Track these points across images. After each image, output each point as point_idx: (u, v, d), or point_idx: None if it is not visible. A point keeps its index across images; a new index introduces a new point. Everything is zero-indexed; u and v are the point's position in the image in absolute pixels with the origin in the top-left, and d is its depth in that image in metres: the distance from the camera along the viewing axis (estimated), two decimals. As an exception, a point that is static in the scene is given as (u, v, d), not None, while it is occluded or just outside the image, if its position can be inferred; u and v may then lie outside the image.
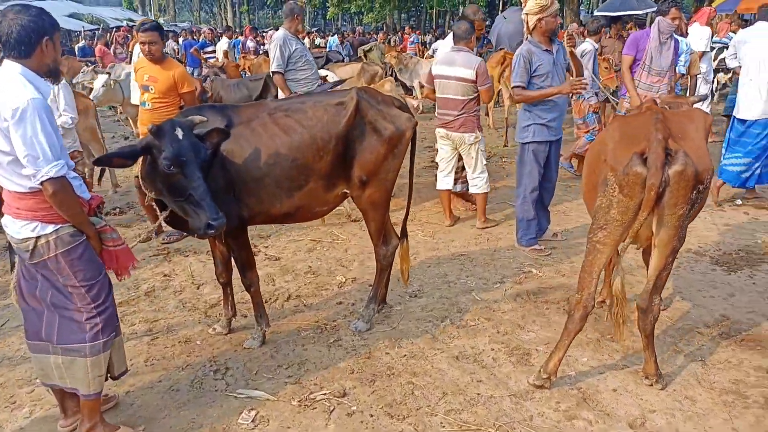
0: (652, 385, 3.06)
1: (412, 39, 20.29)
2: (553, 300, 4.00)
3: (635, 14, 16.61)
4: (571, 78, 4.57)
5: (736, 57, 7.98)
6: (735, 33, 11.88)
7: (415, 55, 14.72)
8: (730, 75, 9.67)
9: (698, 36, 7.90)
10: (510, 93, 7.29)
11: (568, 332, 2.97)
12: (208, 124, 2.92)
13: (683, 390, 3.05)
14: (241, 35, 18.43)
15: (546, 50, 4.45)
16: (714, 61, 9.37)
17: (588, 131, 6.50)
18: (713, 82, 9.25)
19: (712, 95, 9.32)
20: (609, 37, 8.82)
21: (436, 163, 5.91)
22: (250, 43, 16.18)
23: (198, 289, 4.32)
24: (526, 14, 4.36)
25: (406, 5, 37.11)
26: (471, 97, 4.92)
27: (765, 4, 9.25)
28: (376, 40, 19.42)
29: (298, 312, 3.93)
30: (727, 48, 10.29)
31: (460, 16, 5.71)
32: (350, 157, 3.22)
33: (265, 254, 4.91)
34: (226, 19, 41.37)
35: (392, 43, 18.50)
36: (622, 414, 2.87)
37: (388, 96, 3.48)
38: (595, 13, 21.05)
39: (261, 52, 15.25)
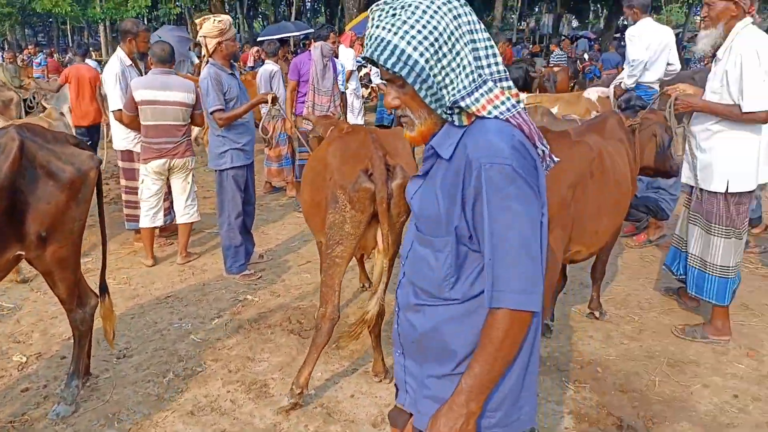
0: (381, 381, 3.31)
1: (39, 60, 16.92)
2: (275, 323, 3.97)
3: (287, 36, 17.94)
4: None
5: (378, 74, 9.31)
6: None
7: (44, 77, 12.86)
8: (369, 90, 11.27)
9: (346, 57, 8.90)
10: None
11: (317, 346, 3.02)
12: None
13: (407, 377, 3.38)
14: None
15: (231, 74, 4.42)
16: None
17: (279, 154, 6.72)
18: (361, 96, 10.57)
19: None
20: (278, 60, 9.29)
21: (122, 200, 5.30)
22: None
23: None
24: (204, 37, 4.23)
25: (32, 19, 32.23)
26: (189, 121, 4.72)
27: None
28: (2, 59, 16.33)
29: (-34, 418, 3.02)
30: (364, 66, 11.97)
31: (122, 30, 5.20)
32: (20, 211, 2.59)
33: None
34: None
35: (21, 63, 15.79)
36: (364, 417, 3.02)
37: (59, 132, 2.92)
38: (259, 39, 21.90)
39: None
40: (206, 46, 4.25)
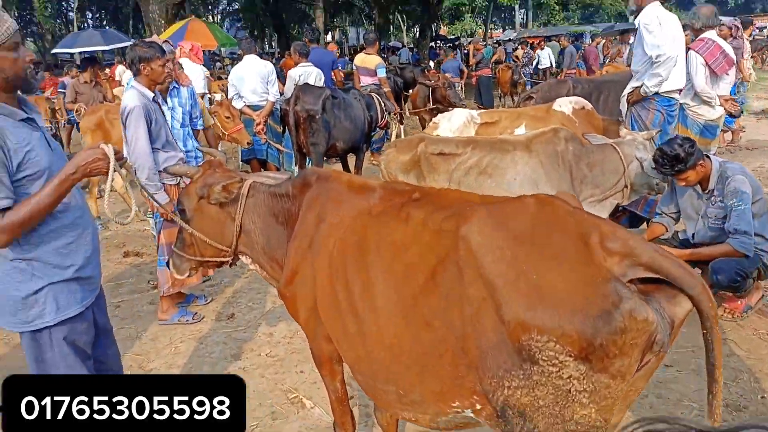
0: None
1: None
2: None
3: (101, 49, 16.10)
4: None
5: (240, 96, 7.69)
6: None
7: None
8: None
9: (195, 75, 7.11)
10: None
11: None
12: None
13: None
14: None
15: (26, 119, 2.01)
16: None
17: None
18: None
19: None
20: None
21: None
22: None
23: None
24: None
25: None
26: None
27: (247, 38, 9.56)
28: None
29: None
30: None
31: None
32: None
33: None
34: None
35: None
36: None
37: None
38: (54, 52, 18.30)
39: None
40: None
